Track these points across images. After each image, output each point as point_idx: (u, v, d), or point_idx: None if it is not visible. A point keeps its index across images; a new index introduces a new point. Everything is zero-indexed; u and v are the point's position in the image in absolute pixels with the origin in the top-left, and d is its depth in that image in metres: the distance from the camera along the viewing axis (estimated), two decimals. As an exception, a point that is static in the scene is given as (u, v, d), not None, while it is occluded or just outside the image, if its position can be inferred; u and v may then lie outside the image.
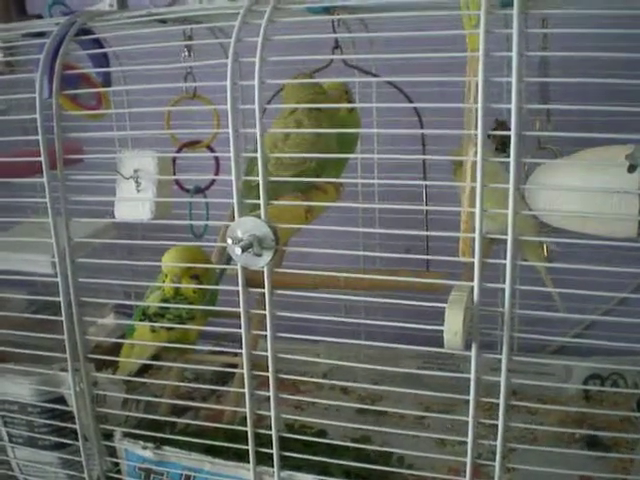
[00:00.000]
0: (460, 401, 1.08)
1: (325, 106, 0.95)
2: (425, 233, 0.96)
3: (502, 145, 1.05)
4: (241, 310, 0.76)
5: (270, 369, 0.77)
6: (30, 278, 1.16)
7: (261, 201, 0.72)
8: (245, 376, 0.78)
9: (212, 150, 1.04)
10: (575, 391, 1.15)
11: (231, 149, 0.72)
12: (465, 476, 0.75)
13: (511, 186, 0.64)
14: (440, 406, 1.11)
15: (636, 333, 0.86)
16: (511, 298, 0.67)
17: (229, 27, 0.93)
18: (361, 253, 0.92)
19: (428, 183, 0.97)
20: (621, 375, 1.15)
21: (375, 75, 1.07)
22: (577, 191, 0.68)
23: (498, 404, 0.72)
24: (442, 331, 0.67)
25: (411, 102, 0.96)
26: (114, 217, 0.89)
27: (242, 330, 0.77)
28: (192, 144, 1.00)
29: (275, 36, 0.71)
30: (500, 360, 0.70)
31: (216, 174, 1.03)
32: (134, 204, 0.85)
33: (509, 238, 0.65)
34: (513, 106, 0.62)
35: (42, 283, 1.37)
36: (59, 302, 1.19)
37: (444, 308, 0.66)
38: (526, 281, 0.71)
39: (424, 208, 0.97)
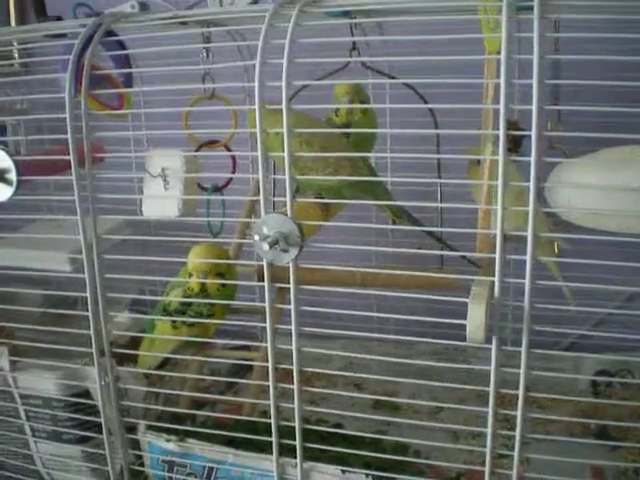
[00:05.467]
0: (472, 396, 1.11)
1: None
2: (440, 229, 0.98)
3: (514, 145, 1.08)
4: (267, 305, 0.78)
5: (294, 363, 0.79)
6: (44, 275, 1.17)
7: (287, 198, 0.73)
8: (270, 369, 0.80)
9: (229, 150, 1.05)
10: (584, 387, 1.17)
11: (258, 148, 0.73)
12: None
13: (532, 184, 0.66)
14: (452, 401, 1.13)
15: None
16: (530, 294, 0.69)
17: (246, 30, 0.95)
18: (375, 249, 0.94)
19: (443, 181, 0.99)
20: (629, 371, 1.17)
21: (391, 77, 1.09)
22: (597, 189, 0.70)
23: (509, 400, 0.74)
24: (455, 328, 0.69)
25: (426, 103, 0.98)
26: (140, 214, 0.90)
27: (267, 325, 0.79)
28: (210, 144, 1.02)
29: (300, 39, 0.72)
30: (509, 356, 0.72)
31: (233, 173, 1.05)
32: (162, 202, 0.86)
33: (529, 235, 0.67)
34: (534, 107, 0.64)
35: (57, 280, 1.39)
36: (73, 298, 1.21)
37: (459, 304, 0.68)
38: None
39: (439, 205, 0.99)
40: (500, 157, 0.66)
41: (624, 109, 0.68)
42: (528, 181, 0.66)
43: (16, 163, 0.86)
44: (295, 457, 0.83)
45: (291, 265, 0.75)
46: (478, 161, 0.87)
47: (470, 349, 1.23)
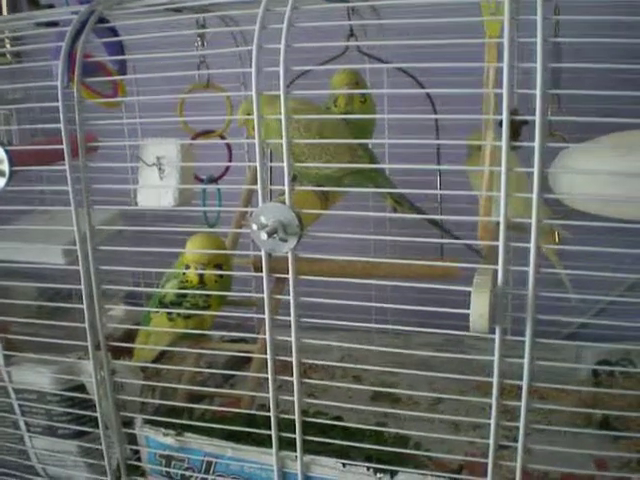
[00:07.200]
0: (470, 387, 1.11)
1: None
2: (440, 217, 0.96)
3: (513, 134, 1.06)
4: (265, 296, 0.77)
5: (294, 354, 0.77)
6: (38, 268, 1.16)
7: (286, 187, 0.72)
8: (269, 361, 0.79)
9: (224, 139, 1.04)
10: (585, 377, 1.17)
11: (256, 135, 0.72)
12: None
13: (536, 170, 0.64)
14: (452, 392, 1.12)
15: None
16: (535, 282, 0.68)
17: (240, 16, 0.93)
18: (375, 237, 0.92)
19: (443, 168, 0.97)
20: (630, 361, 1.16)
21: (389, 63, 1.07)
22: (604, 174, 0.69)
23: (509, 390, 0.74)
24: (455, 318, 0.69)
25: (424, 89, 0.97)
26: (135, 205, 0.89)
27: (266, 316, 0.77)
28: (205, 133, 1.01)
29: (297, 23, 0.71)
30: (508, 346, 0.71)
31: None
32: (157, 191, 0.85)
33: (533, 222, 0.66)
34: (538, 91, 0.63)
35: (51, 273, 1.37)
36: (68, 291, 1.20)
37: (460, 294, 0.67)
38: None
39: (438, 192, 0.98)
40: (504, 142, 0.65)
41: (628, 93, 0.67)
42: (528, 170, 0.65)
43: (9, 153, 0.84)
44: (295, 450, 0.82)
45: (290, 255, 0.74)
46: (479, 148, 0.85)
47: (467, 340, 1.22)
